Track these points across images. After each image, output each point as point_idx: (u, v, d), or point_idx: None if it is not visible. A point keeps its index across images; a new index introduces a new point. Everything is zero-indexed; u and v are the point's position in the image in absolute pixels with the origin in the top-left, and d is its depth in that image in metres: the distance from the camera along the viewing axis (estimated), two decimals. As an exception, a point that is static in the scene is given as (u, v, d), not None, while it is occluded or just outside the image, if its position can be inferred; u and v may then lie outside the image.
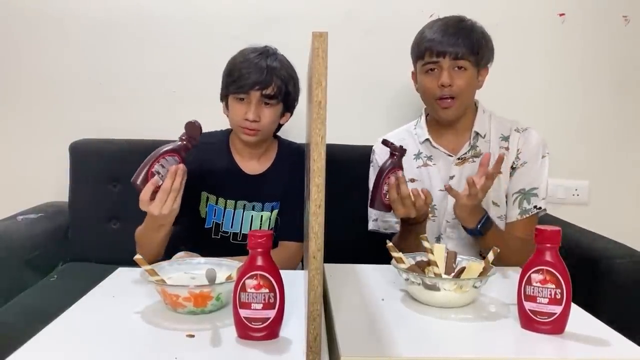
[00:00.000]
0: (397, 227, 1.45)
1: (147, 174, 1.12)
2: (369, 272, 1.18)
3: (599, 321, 0.92)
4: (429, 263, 1.04)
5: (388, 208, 1.27)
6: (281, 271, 0.83)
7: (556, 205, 1.93)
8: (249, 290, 0.81)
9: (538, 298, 0.86)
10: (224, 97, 1.43)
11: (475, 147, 1.43)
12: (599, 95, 2.00)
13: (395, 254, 1.05)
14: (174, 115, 1.92)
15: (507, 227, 1.41)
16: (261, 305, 0.81)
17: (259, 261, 0.81)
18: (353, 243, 1.61)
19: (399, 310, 0.96)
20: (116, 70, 1.95)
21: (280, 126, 1.49)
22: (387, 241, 1.08)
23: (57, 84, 1.95)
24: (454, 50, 1.34)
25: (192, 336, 0.83)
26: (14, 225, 1.69)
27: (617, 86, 2.00)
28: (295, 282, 1.00)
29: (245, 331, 0.82)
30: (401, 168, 1.26)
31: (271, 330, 0.82)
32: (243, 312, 0.81)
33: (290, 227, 1.44)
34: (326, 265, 1.14)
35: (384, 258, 1.09)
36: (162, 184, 1.13)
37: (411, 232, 1.32)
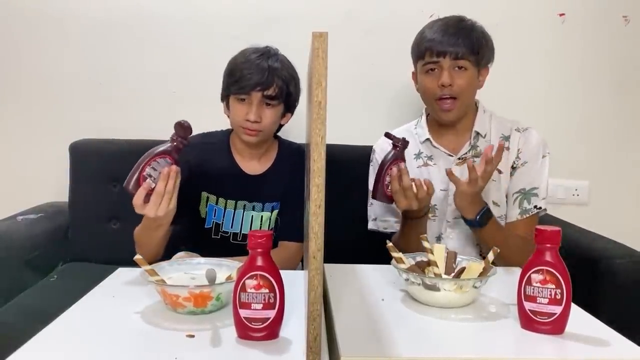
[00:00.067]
0: (397, 227, 1.45)
1: (138, 178, 1.11)
2: (369, 272, 1.18)
3: (599, 321, 0.92)
4: (429, 263, 1.04)
5: (390, 200, 1.28)
6: (281, 271, 0.83)
7: (556, 205, 1.93)
8: (249, 290, 0.81)
9: (538, 298, 0.86)
10: (225, 98, 1.43)
11: (476, 147, 1.43)
12: (599, 95, 2.00)
13: (395, 254, 1.05)
14: (174, 115, 1.91)
15: (508, 227, 1.40)
16: (261, 305, 0.81)
17: (259, 261, 0.81)
18: (353, 243, 1.61)
19: (399, 311, 0.96)
20: (116, 70, 1.95)
21: (281, 126, 1.49)
22: (387, 241, 1.08)
23: (57, 84, 1.95)
24: (454, 50, 1.34)
25: (192, 336, 0.83)
26: (14, 225, 1.69)
27: (617, 86, 2.00)
28: (295, 282, 1.00)
29: (245, 331, 0.82)
30: (403, 160, 1.26)
31: (271, 331, 0.82)
32: (243, 312, 0.81)
33: (290, 227, 1.44)
34: (326, 265, 1.14)
35: (384, 258, 1.09)
36: (154, 187, 1.12)
37: (412, 227, 1.32)
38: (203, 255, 1.18)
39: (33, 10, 1.92)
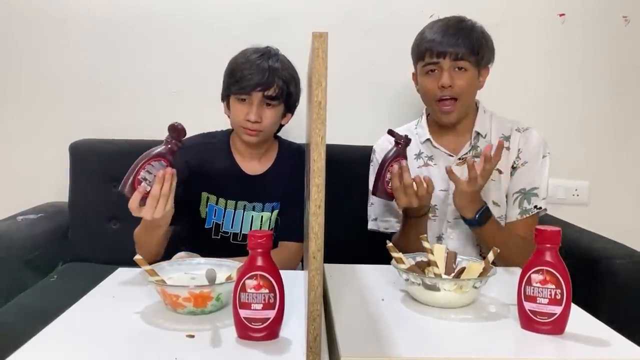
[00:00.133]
0: (397, 227, 1.45)
1: (133, 181, 1.10)
2: (369, 273, 1.17)
3: (599, 321, 0.92)
4: (429, 263, 1.04)
5: (390, 197, 1.27)
6: (281, 271, 0.83)
7: (556, 206, 1.93)
8: (249, 290, 0.81)
9: (538, 298, 0.86)
10: (225, 98, 1.43)
11: (476, 147, 1.43)
12: (599, 95, 2.00)
13: (395, 254, 1.05)
14: (174, 115, 1.91)
15: (508, 227, 1.40)
16: (261, 305, 0.81)
17: (259, 261, 0.81)
18: (353, 243, 1.62)
19: (399, 311, 0.96)
20: (116, 70, 1.95)
21: (281, 126, 1.49)
22: (387, 241, 1.08)
23: (57, 84, 1.95)
24: (454, 51, 1.33)
25: (192, 336, 0.83)
26: (14, 225, 1.69)
27: (617, 86, 2.00)
28: (295, 283, 1.00)
29: (245, 331, 0.82)
30: (405, 157, 1.26)
31: (271, 331, 0.82)
32: (243, 313, 0.81)
33: (290, 227, 1.44)
34: (326, 265, 1.14)
35: (384, 258, 1.09)
36: (150, 190, 1.11)
37: (412, 227, 1.32)
38: (203, 255, 1.18)
39: (33, 10, 1.92)
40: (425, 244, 1.05)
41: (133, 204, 1.11)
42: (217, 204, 1.44)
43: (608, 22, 1.97)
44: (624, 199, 2.04)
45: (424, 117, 1.51)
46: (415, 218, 1.32)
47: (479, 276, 0.97)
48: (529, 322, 0.87)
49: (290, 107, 1.45)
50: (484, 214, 1.26)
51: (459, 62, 1.34)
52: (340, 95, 1.86)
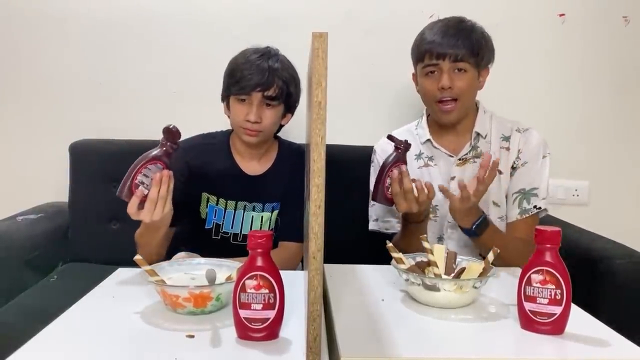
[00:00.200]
0: (398, 227, 1.45)
1: (130, 186, 1.11)
2: (369, 273, 1.18)
3: (598, 321, 0.92)
4: (429, 263, 1.04)
5: (390, 202, 1.27)
6: (281, 271, 0.83)
7: (556, 206, 1.93)
8: (248, 290, 0.81)
9: (538, 299, 0.86)
10: (225, 98, 1.43)
11: (476, 147, 1.43)
12: (599, 95, 2.00)
13: (395, 255, 1.05)
14: (174, 115, 1.93)
15: (508, 228, 1.41)
16: (261, 305, 0.81)
17: (259, 262, 0.81)
18: (353, 243, 1.62)
19: (399, 311, 0.96)
20: (116, 71, 1.95)
21: (281, 127, 1.49)
22: (387, 242, 1.08)
23: (57, 84, 1.95)
24: (454, 52, 1.33)
25: (192, 336, 0.83)
26: (14, 225, 1.69)
27: (617, 86, 2.00)
28: (295, 283, 1.00)
29: (245, 332, 0.82)
30: (405, 162, 1.26)
31: (271, 331, 0.82)
32: (243, 313, 0.81)
33: (290, 227, 1.44)
34: (326, 265, 1.14)
35: (384, 258, 1.09)
36: (148, 193, 1.11)
37: (413, 233, 1.31)
38: (203, 255, 1.18)
39: (33, 10, 1.92)
40: (425, 244, 1.05)
41: (132, 208, 1.11)
42: (217, 204, 1.44)
43: (608, 22, 1.97)
44: (624, 199, 2.04)
45: (424, 118, 1.51)
46: (415, 224, 1.32)
47: (478, 276, 0.97)
48: (528, 322, 0.87)
49: (290, 107, 1.45)
50: (481, 225, 1.25)
51: (458, 63, 1.34)
52: (340, 95, 1.86)
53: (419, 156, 1.47)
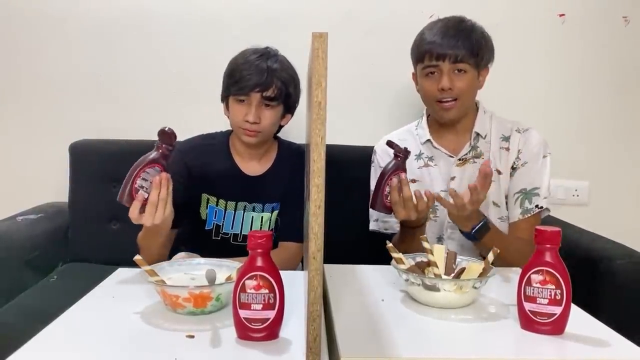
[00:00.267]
0: (398, 228, 1.45)
1: (130, 190, 1.11)
2: (369, 273, 1.17)
3: (598, 322, 0.92)
4: (429, 264, 1.04)
5: (389, 210, 1.26)
6: (281, 272, 0.83)
7: (556, 206, 1.92)
8: (248, 290, 0.81)
9: (538, 299, 0.86)
10: (225, 98, 1.43)
11: (476, 147, 1.43)
12: (599, 95, 2.01)
13: (395, 255, 1.05)
14: (174, 115, 1.93)
15: (510, 228, 1.41)
16: (261, 305, 0.81)
17: (259, 262, 0.81)
18: (353, 243, 1.62)
19: (399, 311, 0.96)
20: (116, 71, 1.95)
21: (280, 127, 1.49)
22: (387, 242, 1.08)
23: (57, 84, 1.95)
24: (454, 53, 1.33)
25: (192, 337, 0.83)
26: (14, 225, 1.69)
27: (617, 86, 2.00)
28: (295, 283, 1.00)
29: (245, 332, 0.82)
30: (404, 170, 1.25)
31: (271, 331, 0.82)
32: (243, 313, 0.81)
33: (290, 227, 1.44)
34: (326, 265, 1.14)
35: (384, 259, 1.09)
36: (148, 197, 1.11)
37: (411, 236, 1.31)
38: (203, 256, 1.18)
39: (33, 10, 1.92)
40: (425, 244, 1.05)
41: (133, 212, 1.11)
42: (217, 205, 1.44)
43: (608, 22, 1.97)
44: (624, 199, 2.04)
45: (424, 118, 1.51)
46: (413, 229, 1.31)
47: (478, 276, 0.97)
48: (528, 322, 0.87)
49: (289, 107, 1.45)
50: (482, 230, 1.24)
51: (458, 64, 1.34)
52: (340, 96, 1.86)
53: (419, 156, 1.47)
